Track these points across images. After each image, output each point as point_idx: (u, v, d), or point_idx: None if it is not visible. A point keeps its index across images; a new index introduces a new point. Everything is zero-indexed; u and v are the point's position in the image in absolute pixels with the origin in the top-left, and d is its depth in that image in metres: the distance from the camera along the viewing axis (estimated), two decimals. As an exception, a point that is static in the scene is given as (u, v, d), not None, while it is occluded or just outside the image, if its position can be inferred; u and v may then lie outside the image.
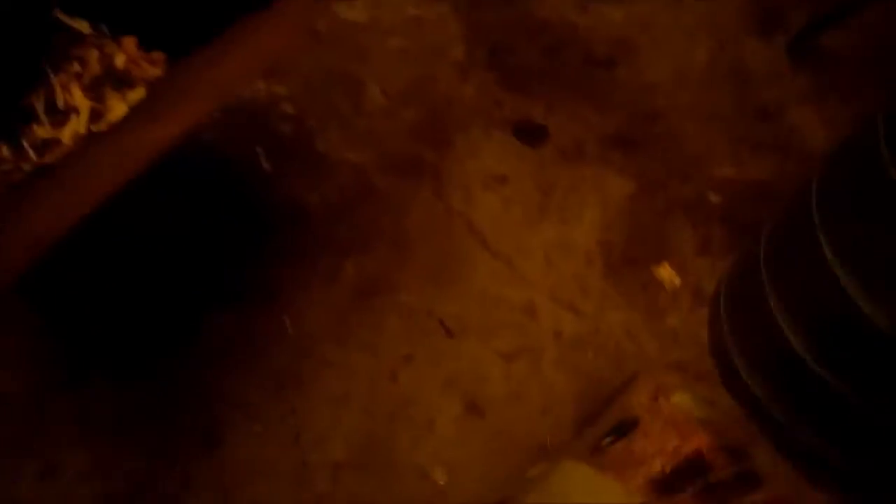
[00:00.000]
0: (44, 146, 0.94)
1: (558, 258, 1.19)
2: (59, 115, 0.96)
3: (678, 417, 0.87)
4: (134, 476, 0.98)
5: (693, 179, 1.28)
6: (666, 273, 1.20)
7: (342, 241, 1.16)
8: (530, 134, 1.28)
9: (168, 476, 0.98)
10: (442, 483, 1.03)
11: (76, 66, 0.98)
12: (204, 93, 0.87)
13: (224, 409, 1.03)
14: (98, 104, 0.97)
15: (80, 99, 0.96)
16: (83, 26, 0.99)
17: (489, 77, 1.33)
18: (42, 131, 0.94)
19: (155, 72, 1.00)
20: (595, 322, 1.15)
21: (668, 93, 1.36)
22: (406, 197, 1.21)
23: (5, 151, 0.93)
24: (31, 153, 0.93)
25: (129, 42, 1.00)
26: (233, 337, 1.08)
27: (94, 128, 0.95)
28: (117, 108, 0.96)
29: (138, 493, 0.97)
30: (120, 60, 0.98)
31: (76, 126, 0.95)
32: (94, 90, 0.97)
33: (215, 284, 1.11)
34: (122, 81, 0.98)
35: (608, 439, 0.86)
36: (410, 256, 1.17)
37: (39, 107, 0.95)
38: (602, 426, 0.89)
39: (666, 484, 0.80)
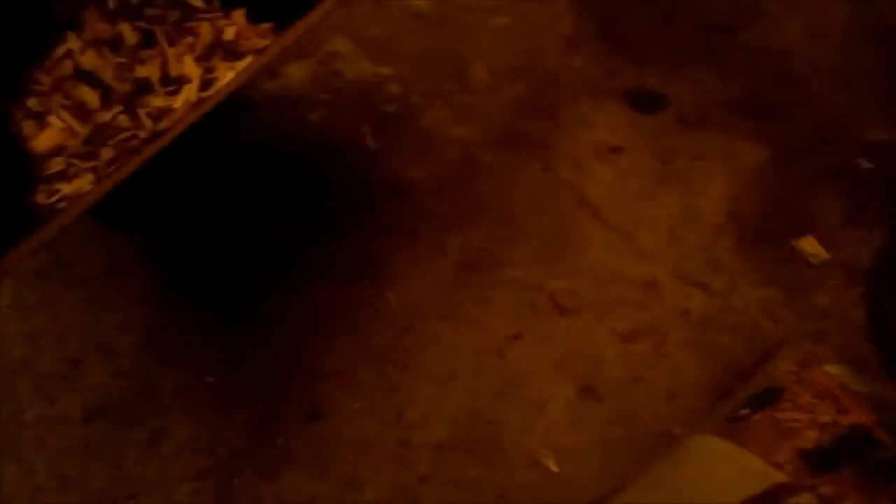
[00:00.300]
0: (159, 114, 0.97)
1: (683, 231, 1.08)
2: (173, 85, 0.98)
3: (833, 389, 0.74)
4: (235, 448, 0.96)
5: (837, 144, 1.13)
6: (810, 246, 1.06)
7: (447, 216, 1.12)
8: (646, 103, 1.19)
9: (268, 449, 0.96)
10: (554, 470, 0.94)
11: (189, 38, 1.00)
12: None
13: (325, 384, 1.00)
14: (209, 74, 0.99)
15: (191, 68, 0.98)
16: (196, 0, 1.02)
17: (600, 48, 1.25)
18: (157, 100, 0.97)
19: (262, 42, 1.01)
20: (727, 300, 1.03)
21: (802, 55, 1.23)
22: (513, 171, 1.15)
23: (123, 120, 0.96)
24: (147, 121, 0.96)
25: (239, 15, 1.02)
26: (335, 310, 1.05)
27: (204, 95, 0.97)
28: (227, 77, 0.98)
29: (238, 465, 0.95)
30: (230, 32, 1.00)
31: (188, 94, 0.97)
32: (206, 60, 0.99)
33: (320, 257, 1.09)
34: (231, 52, 1.00)
35: (747, 410, 0.74)
36: (518, 230, 1.10)
37: (154, 77, 0.98)
38: (740, 397, 0.77)
39: (820, 460, 0.68)
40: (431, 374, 1.01)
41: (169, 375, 1.02)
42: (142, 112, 0.96)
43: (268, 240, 1.12)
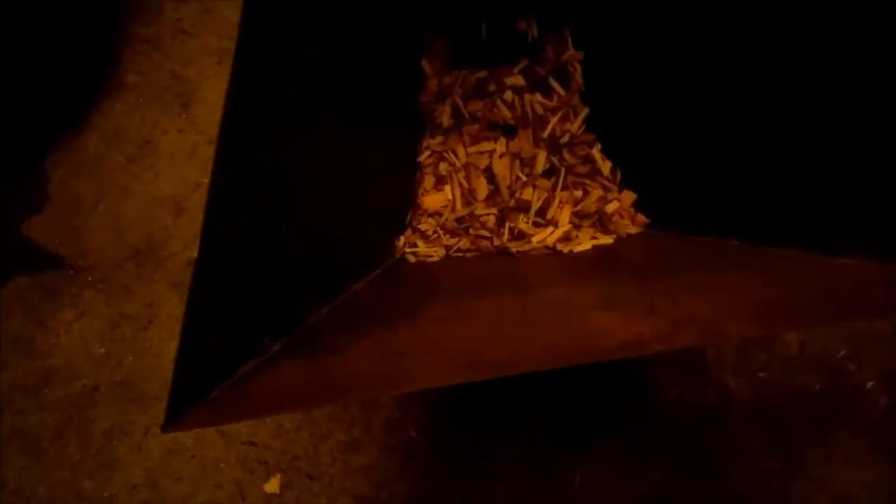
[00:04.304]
0: (517, 235, 1.10)
1: None
2: (542, 220, 1.10)
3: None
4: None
5: None
6: None
7: (683, 443, 1.17)
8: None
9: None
10: None
11: (579, 192, 1.12)
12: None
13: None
14: (573, 231, 1.09)
15: (564, 219, 1.09)
16: (606, 167, 1.12)
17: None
18: (523, 224, 1.09)
19: (632, 229, 1.09)
20: None
21: None
22: (753, 455, 1.16)
23: (490, 221, 1.11)
24: (505, 234, 1.10)
25: (628, 197, 1.11)
26: (529, 462, 1.16)
27: (559, 246, 1.08)
28: (584, 243, 1.08)
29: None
30: (612, 206, 1.09)
31: (546, 237, 1.08)
32: (579, 218, 1.10)
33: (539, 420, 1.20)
34: (601, 224, 1.10)
35: None
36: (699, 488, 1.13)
37: (534, 206, 1.10)
38: None
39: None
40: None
41: (383, 413, 1.20)
42: (507, 225, 1.10)
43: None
